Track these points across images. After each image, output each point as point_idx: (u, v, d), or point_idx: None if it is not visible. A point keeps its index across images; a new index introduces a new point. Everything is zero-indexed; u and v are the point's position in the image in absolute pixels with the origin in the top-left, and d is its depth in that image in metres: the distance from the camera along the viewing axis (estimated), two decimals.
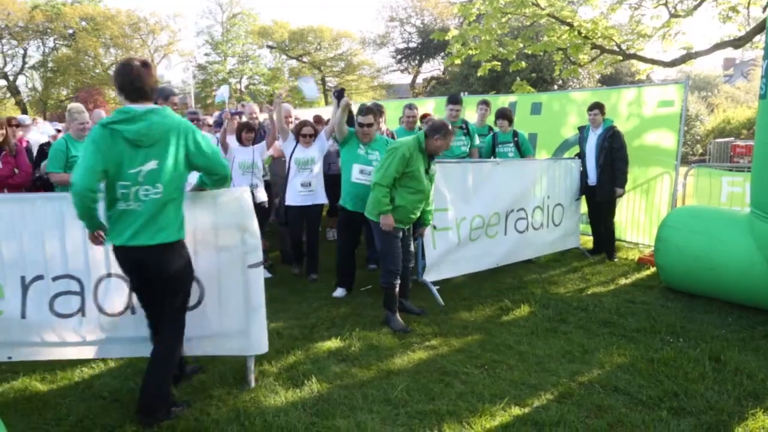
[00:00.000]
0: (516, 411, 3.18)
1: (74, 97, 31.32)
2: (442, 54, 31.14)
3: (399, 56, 38.33)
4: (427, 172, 4.52)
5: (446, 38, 11.82)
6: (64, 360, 3.56)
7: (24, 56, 35.63)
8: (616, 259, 6.64)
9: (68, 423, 3.06)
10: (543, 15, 10.39)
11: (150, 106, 2.88)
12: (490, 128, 7.08)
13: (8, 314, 3.33)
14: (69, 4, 35.06)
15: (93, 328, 3.41)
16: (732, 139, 20.15)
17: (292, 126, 6.19)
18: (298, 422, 3.04)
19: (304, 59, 38.40)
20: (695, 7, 10.34)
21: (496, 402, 3.27)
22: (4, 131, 4.91)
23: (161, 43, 38.67)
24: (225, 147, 5.74)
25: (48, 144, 5.67)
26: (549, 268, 6.41)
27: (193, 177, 3.17)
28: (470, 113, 8.04)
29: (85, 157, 2.81)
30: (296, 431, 2.97)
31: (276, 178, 6.39)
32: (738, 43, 9.91)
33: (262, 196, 5.85)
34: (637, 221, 7.24)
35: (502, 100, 8.87)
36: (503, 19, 10.91)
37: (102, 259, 3.35)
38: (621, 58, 11.45)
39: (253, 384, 3.44)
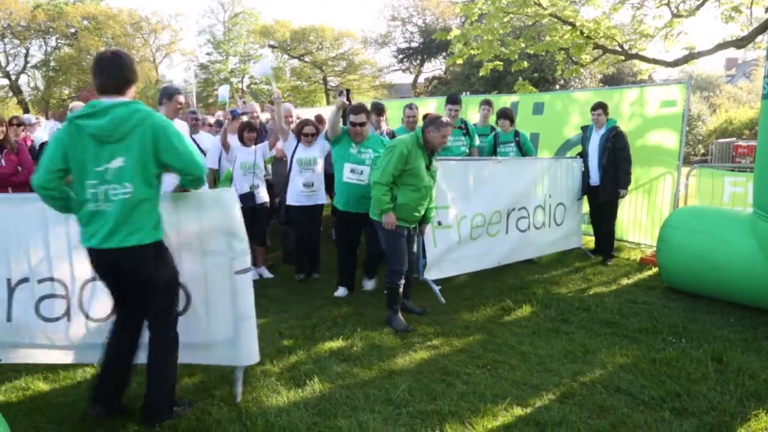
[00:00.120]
0: (518, 411, 3.18)
1: (76, 96, 31.30)
2: (444, 54, 31.13)
3: (401, 56, 38.31)
4: (428, 168, 4.51)
5: (448, 38, 11.79)
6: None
7: (26, 55, 35.71)
8: (610, 263, 6.55)
9: (70, 422, 3.06)
10: (545, 15, 10.37)
11: (118, 99, 2.72)
12: (493, 128, 7.08)
13: None
14: (71, 4, 35.11)
15: (79, 332, 3.35)
16: (734, 139, 20.12)
17: (293, 126, 6.17)
18: (300, 422, 3.04)
19: (306, 59, 38.39)
20: (698, 7, 10.32)
21: (498, 402, 3.26)
22: (3, 128, 4.92)
23: (163, 42, 38.74)
24: (226, 147, 5.73)
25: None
26: (551, 268, 6.41)
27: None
28: (473, 113, 8.04)
29: (46, 154, 2.73)
30: (298, 431, 2.97)
31: (278, 177, 6.38)
32: (740, 43, 9.89)
33: (264, 196, 5.84)
34: (639, 221, 7.24)
35: (504, 100, 8.87)
36: (505, 19, 10.89)
37: (87, 262, 3.12)
38: (623, 58, 11.43)
39: (239, 398, 3.27)
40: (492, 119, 7.20)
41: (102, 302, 3.32)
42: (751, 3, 9.75)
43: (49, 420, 3.09)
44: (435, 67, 39.03)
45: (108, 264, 2.83)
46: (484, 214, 5.70)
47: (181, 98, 5.18)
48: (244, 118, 6.26)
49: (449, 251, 5.43)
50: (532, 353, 4.00)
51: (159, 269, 2.87)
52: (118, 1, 53.10)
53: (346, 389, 3.44)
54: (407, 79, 40.80)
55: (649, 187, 7.06)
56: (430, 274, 5.31)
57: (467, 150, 6.50)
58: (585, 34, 10.47)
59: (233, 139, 5.85)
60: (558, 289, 5.58)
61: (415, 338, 4.29)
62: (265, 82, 35.90)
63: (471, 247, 5.63)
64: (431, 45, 35.20)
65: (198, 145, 5.94)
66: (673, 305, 5.07)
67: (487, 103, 7.21)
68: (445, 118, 4.51)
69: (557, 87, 23.08)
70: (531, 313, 4.88)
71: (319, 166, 5.65)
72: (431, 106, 9.54)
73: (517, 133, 6.72)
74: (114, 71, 2.72)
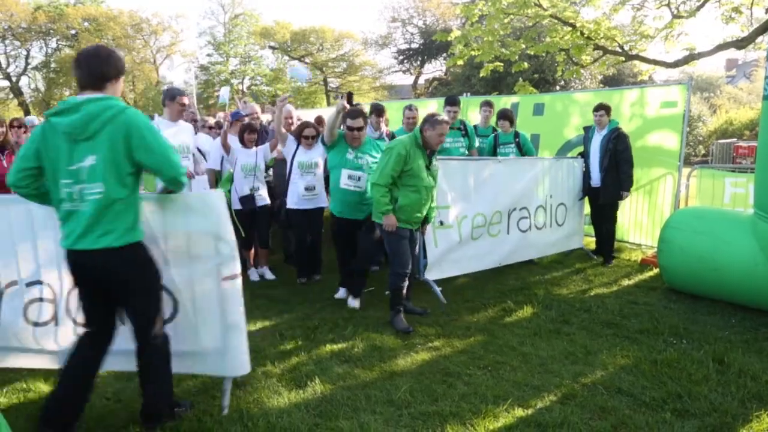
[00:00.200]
0: (519, 412, 3.18)
1: None
2: (444, 55, 31.13)
3: (401, 57, 38.33)
4: (428, 168, 4.47)
5: (448, 39, 11.79)
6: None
7: (27, 57, 35.71)
8: (610, 264, 6.55)
9: None
10: (545, 16, 10.37)
11: (92, 95, 2.60)
12: (494, 129, 7.08)
13: None
14: (72, 5, 35.13)
15: (68, 337, 3.25)
16: (734, 140, 20.09)
17: (293, 127, 6.15)
18: (301, 423, 3.04)
19: (306, 60, 38.40)
20: (698, 8, 10.32)
21: (499, 403, 3.26)
22: (3, 130, 4.92)
23: (164, 43, 38.75)
24: (227, 149, 5.72)
25: None
26: (551, 269, 6.41)
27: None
28: (474, 115, 8.04)
29: (19, 152, 2.67)
30: None
31: (279, 178, 6.38)
32: (741, 44, 9.89)
33: (265, 198, 5.83)
34: (639, 222, 7.24)
35: (504, 101, 8.87)
36: (506, 20, 10.88)
37: None
38: (623, 58, 11.42)
39: (226, 411, 3.14)
40: (493, 120, 7.20)
41: None
42: (752, 4, 9.75)
43: None
44: (435, 69, 39.10)
45: (79, 266, 2.72)
46: (484, 214, 5.70)
47: (185, 99, 5.20)
48: (245, 119, 6.26)
49: (450, 251, 5.43)
50: (534, 354, 4.00)
51: (135, 272, 2.75)
52: (118, 2, 53.27)
53: (348, 390, 3.44)
54: (407, 80, 40.87)
55: (650, 188, 7.06)
56: (431, 275, 5.31)
57: (466, 151, 6.50)
58: (585, 35, 10.47)
59: (234, 141, 5.84)
60: (559, 290, 5.58)
61: (417, 339, 4.29)
62: (265, 82, 35.99)
63: (472, 247, 5.63)
64: (431, 46, 35.22)
65: (197, 148, 5.96)
66: (674, 306, 5.07)
67: (488, 104, 7.21)
68: (441, 116, 4.45)
69: (557, 88, 23.08)
70: (532, 314, 4.88)
71: (320, 169, 5.63)
72: (431, 107, 9.53)
73: (517, 134, 6.72)
74: (90, 66, 2.61)
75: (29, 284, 3.25)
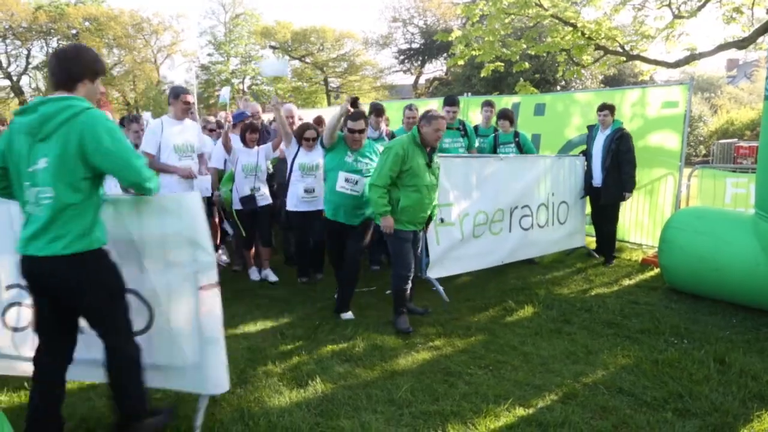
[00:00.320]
0: (520, 412, 3.18)
1: None
2: (445, 55, 31.17)
3: (402, 57, 38.33)
4: (429, 166, 4.42)
5: (449, 39, 11.80)
6: None
7: (27, 57, 35.71)
8: (612, 264, 6.56)
9: (71, 423, 3.04)
10: (546, 16, 10.38)
11: (57, 95, 2.50)
12: (496, 129, 7.08)
13: None
14: (72, 5, 35.13)
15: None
16: (735, 140, 20.08)
17: (294, 126, 6.13)
18: (303, 422, 3.04)
19: (307, 60, 38.43)
20: (699, 8, 10.33)
21: (500, 403, 3.26)
22: (5, 128, 4.94)
23: (164, 43, 38.71)
24: (228, 148, 5.71)
25: None
26: (552, 269, 6.41)
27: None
28: (475, 115, 8.03)
29: None
30: (300, 431, 2.97)
31: (281, 178, 6.36)
32: (742, 44, 9.89)
33: (266, 198, 5.83)
34: (640, 222, 7.23)
35: (505, 101, 8.87)
36: (506, 20, 10.89)
37: None
38: (624, 59, 11.43)
39: (198, 431, 2.92)
40: (494, 120, 7.20)
41: None
42: (753, 4, 9.75)
43: None
44: (436, 68, 39.09)
45: (27, 273, 2.58)
46: (486, 212, 5.69)
47: (189, 98, 5.19)
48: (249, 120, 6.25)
49: (452, 249, 5.42)
50: (535, 354, 4.00)
51: (89, 281, 2.57)
52: (119, 2, 53.28)
53: (349, 390, 3.44)
54: (408, 80, 40.87)
55: (651, 188, 7.05)
56: (433, 273, 5.31)
57: (465, 151, 6.49)
58: (586, 35, 10.48)
59: (236, 141, 5.83)
60: (560, 290, 5.58)
61: (418, 339, 4.29)
62: (266, 82, 36.00)
63: (474, 245, 5.63)
64: (432, 46, 35.23)
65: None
66: (675, 306, 5.07)
67: (489, 104, 7.21)
68: (437, 112, 4.39)
69: (558, 88, 23.08)
70: (533, 313, 4.87)
71: (321, 172, 5.59)
72: (432, 107, 9.52)
73: (517, 134, 6.71)
74: (59, 65, 2.52)
75: (8, 287, 3.15)
